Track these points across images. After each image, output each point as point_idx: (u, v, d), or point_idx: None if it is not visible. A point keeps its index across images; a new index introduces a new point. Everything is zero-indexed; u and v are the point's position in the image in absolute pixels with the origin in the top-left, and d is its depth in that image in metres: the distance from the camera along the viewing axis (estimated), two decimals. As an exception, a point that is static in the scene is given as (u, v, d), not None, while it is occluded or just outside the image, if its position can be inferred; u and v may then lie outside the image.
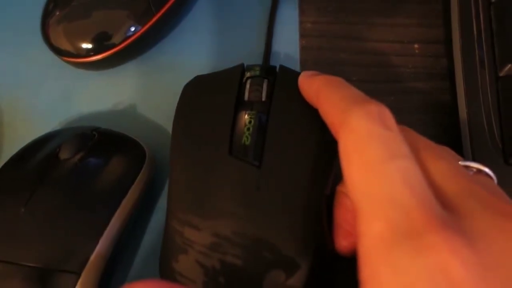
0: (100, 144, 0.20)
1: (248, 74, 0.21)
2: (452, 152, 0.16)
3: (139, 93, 0.25)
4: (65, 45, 0.24)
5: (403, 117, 0.15)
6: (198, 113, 0.20)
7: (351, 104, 0.15)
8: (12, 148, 0.23)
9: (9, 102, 0.26)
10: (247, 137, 0.18)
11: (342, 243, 0.17)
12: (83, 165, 0.19)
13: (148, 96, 0.25)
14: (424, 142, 0.16)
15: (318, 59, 0.26)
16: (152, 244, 0.21)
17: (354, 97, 0.16)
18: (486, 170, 0.15)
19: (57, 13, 0.24)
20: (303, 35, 0.27)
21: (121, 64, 0.26)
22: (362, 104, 0.15)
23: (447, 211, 0.12)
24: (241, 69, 0.21)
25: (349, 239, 0.17)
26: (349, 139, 0.14)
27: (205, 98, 0.20)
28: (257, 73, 0.20)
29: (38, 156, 0.20)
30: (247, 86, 0.20)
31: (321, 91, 0.17)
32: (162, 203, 0.22)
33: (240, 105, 0.19)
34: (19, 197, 0.18)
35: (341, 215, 0.17)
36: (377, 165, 0.13)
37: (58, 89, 0.26)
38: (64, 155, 0.19)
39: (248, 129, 0.18)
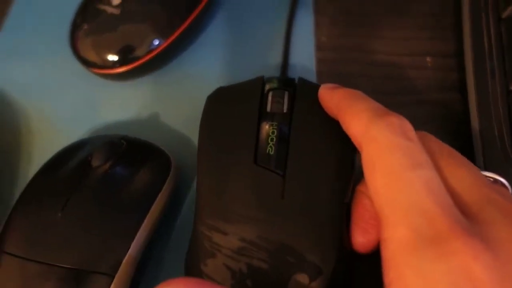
0: (129, 152, 0.21)
1: (268, 86, 0.21)
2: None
3: (161, 103, 0.27)
4: (92, 57, 0.25)
5: (416, 128, 0.16)
6: (223, 123, 0.21)
7: (373, 116, 0.16)
8: (41, 154, 0.24)
9: (36, 110, 0.27)
10: (271, 147, 0.19)
11: (359, 240, 0.18)
12: (114, 172, 0.20)
13: (169, 105, 0.27)
14: (445, 149, 0.16)
15: (333, 72, 0.27)
16: (177, 247, 0.22)
17: (376, 109, 0.16)
18: (502, 180, 0.16)
19: (85, 26, 0.25)
20: (318, 48, 0.28)
21: (144, 75, 0.27)
22: (383, 116, 0.16)
23: (467, 218, 0.13)
24: (262, 81, 0.22)
25: (366, 236, 0.18)
26: (373, 149, 0.15)
27: (229, 109, 0.21)
28: (278, 85, 0.21)
29: (72, 163, 0.21)
30: (269, 98, 0.21)
31: (342, 104, 0.18)
32: (185, 209, 0.23)
33: (262, 116, 0.20)
34: (56, 202, 0.19)
35: (359, 214, 0.18)
36: (400, 173, 0.14)
37: (83, 98, 0.27)
38: (96, 162, 0.20)
39: (272, 139, 0.19)
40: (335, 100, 0.19)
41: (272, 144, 0.19)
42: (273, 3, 0.30)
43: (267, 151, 0.19)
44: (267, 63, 0.28)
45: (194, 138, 0.24)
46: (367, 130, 0.16)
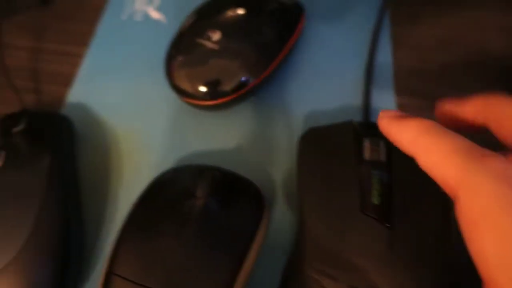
0: (226, 184, 0.23)
1: (361, 132, 0.23)
2: None
3: (244, 134, 0.28)
4: (186, 87, 0.26)
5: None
6: (323, 167, 0.22)
7: (469, 158, 0.14)
8: (131, 175, 0.26)
9: (127, 132, 0.28)
10: (375, 197, 0.20)
11: None
12: (217, 204, 0.21)
13: (251, 137, 0.28)
14: None
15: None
16: (264, 280, 0.23)
17: (469, 148, 0.14)
18: None
19: (182, 57, 0.27)
20: (398, 93, 0.29)
21: (232, 108, 0.28)
22: (482, 160, 0.14)
23: None
24: (353, 126, 0.23)
25: None
26: (475, 203, 0.13)
27: (326, 153, 0.23)
28: (370, 131, 0.22)
29: (175, 192, 0.22)
30: (365, 145, 0.22)
31: (421, 141, 0.16)
32: (270, 242, 0.24)
33: (361, 163, 0.21)
34: (168, 230, 0.20)
35: None
36: None
37: (173, 124, 0.28)
38: (200, 193, 0.21)
39: (375, 188, 0.20)
40: (409, 135, 0.17)
41: (377, 193, 0.20)
42: (354, 45, 0.31)
43: (372, 200, 0.20)
44: (347, 99, 0.29)
45: (275, 171, 0.26)
46: (464, 178, 0.14)
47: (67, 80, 0.31)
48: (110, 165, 0.27)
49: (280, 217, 0.25)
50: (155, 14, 0.33)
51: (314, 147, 0.23)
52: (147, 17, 0.33)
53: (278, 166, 0.26)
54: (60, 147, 0.25)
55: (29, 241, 0.20)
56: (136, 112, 0.29)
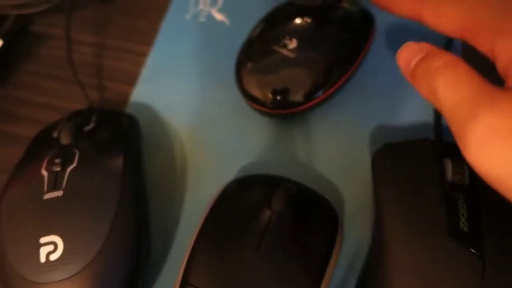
0: (301, 199, 0.22)
1: (440, 152, 0.22)
2: None
3: (312, 146, 0.27)
4: (256, 93, 0.26)
5: None
6: (402, 188, 0.21)
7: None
8: (194, 178, 0.26)
9: (190, 134, 0.28)
10: (463, 223, 0.19)
11: None
12: (294, 220, 0.21)
13: (318, 148, 0.27)
14: None
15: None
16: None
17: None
18: None
19: (256, 63, 0.26)
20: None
21: (300, 117, 0.27)
22: None
23: None
24: (431, 145, 0.22)
25: None
26: None
27: (405, 172, 0.22)
28: (449, 151, 0.22)
29: (250, 203, 0.22)
30: (447, 166, 0.21)
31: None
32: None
33: (444, 185, 0.21)
34: (248, 242, 0.20)
35: None
36: None
37: (236, 128, 0.28)
38: (276, 206, 0.21)
39: (463, 214, 0.19)
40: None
41: (464, 219, 0.19)
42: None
43: (460, 226, 0.19)
44: (416, 115, 0.28)
45: (345, 186, 0.25)
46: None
47: (130, 78, 0.31)
48: (174, 166, 0.27)
49: (348, 233, 0.24)
50: (218, 16, 0.33)
51: (392, 165, 0.23)
52: (210, 18, 0.33)
53: (349, 180, 0.26)
54: (130, 147, 0.25)
55: (106, 242, 0.20)
56: (199, 114, 0.29)
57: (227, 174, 0.26)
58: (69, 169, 0.22)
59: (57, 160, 0.22)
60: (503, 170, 0.13)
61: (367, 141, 0.27)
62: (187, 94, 0.30)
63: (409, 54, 0.19)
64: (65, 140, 0.24)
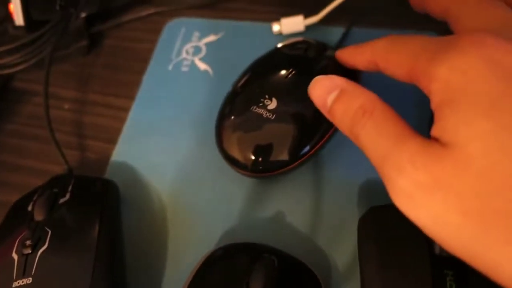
0: (283, 272, 0.21)
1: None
2: None
3: (300, 205, 0.26)
4: (236, 156, 0.25)
5: None
6: (388, 260, 0.20)
7: (434, 53, 0.16)
8: (175, 242, 0.25)
9: (172, 196, 0.27)
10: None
11: None
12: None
13: (307, 210, 0.26)
14: None
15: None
16: None
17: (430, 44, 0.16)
18: None
19: (233, 127, 0.25)
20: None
21: (285, 177, 0.26)
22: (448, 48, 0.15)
23: None
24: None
25: None
26: (453, 81, 0.15)
27: (391, 242, 0.21)
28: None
29: (229, 281, 0.21)
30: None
31: (381, 52, 0.19)
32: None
33: (432, 259, 0.19)
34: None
35: None
36: None
37: (220, 190, 0.27)
38: (256, 285, 0.20)
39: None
40: (369, 52, 0.20)
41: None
42: (414, 93, 0.29)
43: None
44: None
45: (332, 253, 0.24)
46: (433, 68, 0.16)
47: (112, 136, 0.30)
48: (155, 232, 0.26)
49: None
50: (202, 65, 0.32)
51: (377, 233, 0.22)
52: (193, 67, 0.32)
53: (336, 244, 0.24)
54: (107, 217, 0.24)
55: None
56: (181, 175, 0.28)
57: (210, 239, 0.25)
58: (40, 251, 0.21)
59: (28, 242, 0.21)
60: (428, 220, 0.14)
61: (356, 200, 0.26)
62: (169, 152, 0.29)
63: (322, 92, 0.19)
64: (38, 216, 0.23)
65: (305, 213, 0.26)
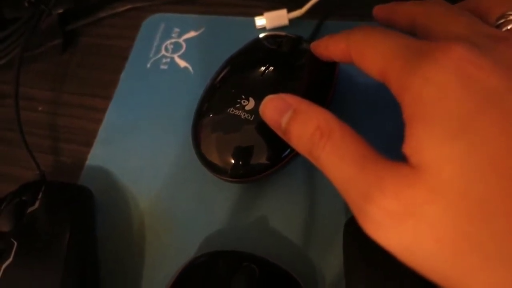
0: (264, 280, 0.20)
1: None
2: None
3: (282, 209, 0.25)
4: (215, 161, 0.24)
5: None
6: (371, 269, 0.19)
7: (408, 59, 0.15)
8: (152, 250, 0.24)
9: (149, 201, 0.26)
10: None
11: None
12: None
13: (288, 212, 0.25)
14: None
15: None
16: None
17: (406, 48, 0.15)
18: None
19: (210, 131, 0.24)
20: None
21: (266, 180, 0.25)
22: (421, 58, 0.15)
23: None
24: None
25: None
26: (424, 94, 0.14)
27: (375, 249, 0.20)
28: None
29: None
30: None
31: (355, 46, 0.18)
32: None
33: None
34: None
35: None
36: None
37: (199, 194, 0.26)
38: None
39: None
40: (342, 44, 0.19)
41: None
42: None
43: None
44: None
45: (316, 255, 0.23)
46: (407, 78, 0.15)
47: (87, 138, 0.28)
48: (132, 240, 0.25)
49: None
50: (181, 62, 0.31)
51: (363, 238, 0.20)
52: (173, 64, 0.31)
53: (321, 249, 0.23)
54: (78, 226, 0.23)
55: None
56: (159, 179, 0.26)
57: (190, 247, 0.24)
58: (4, 265, 0.20)
59: (-9, 255, 0.20)
60: (399, 247, 0.14)
61: (343, 203, 0.25)
62: (147, 155, 0.27)
63: (274, 112, 0.18)
64: (4, 227, 0.22)
65: (290, 218, 0.24)
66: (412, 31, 0.19)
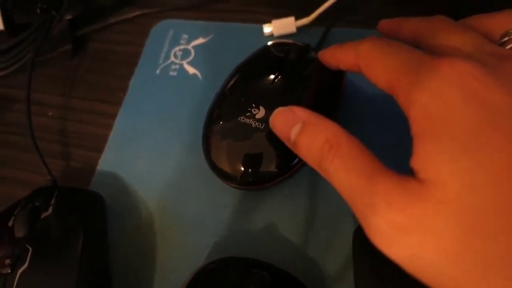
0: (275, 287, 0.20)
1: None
2: None
3: (292, 217, 0.25)
4: (225, 169, 0.24)
5: None
6: (385, 272, 0.19)
7: (415, 73, 0.15)
8: (163, 255, 0.24)
9: (159, 206, 0.26)
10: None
11: None
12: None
13: (297, 219, 0.25)
14: None
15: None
16: None
17: (413, 62, 0.16)
18: None
19: (221, 139, 0.25)
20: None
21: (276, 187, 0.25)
22: (427, 69, 0.15)
23: None
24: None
25: None
26: (432, 107, 0.15)
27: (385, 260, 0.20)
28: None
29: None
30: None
31: (364, 56, 0.18)
32: None
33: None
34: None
35: None
36: None
37: (208, 200, 0.26)
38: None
39: None
40: (351, 55, 0.19)
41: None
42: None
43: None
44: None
45: (325, 261, 0.23)
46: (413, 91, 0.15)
47: (98, 144, 0.29)
48: (142, 245, 0.25)
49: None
50: (190, 69, 0.31)
51: (372, 245, 0.21)
52: (182, 71, 0.31)
53: (330, 260, 0.24)
54: (91, 231, 0.23)
55: None
56: (169, 184, 0.27)
57: (200, 252, 0.24)
58: (20, 271, 0.21)
59: (7, 261, 0.21)
60: (406, 258, 0.14)
61: (350, 211, 0.25)
62: (157, 160, 0.28)
63: (284, 124, 0.19)
64: (19, 232, 0.22)
65: (298, 225, 0.25)
66: (417, 45, 0.19)
